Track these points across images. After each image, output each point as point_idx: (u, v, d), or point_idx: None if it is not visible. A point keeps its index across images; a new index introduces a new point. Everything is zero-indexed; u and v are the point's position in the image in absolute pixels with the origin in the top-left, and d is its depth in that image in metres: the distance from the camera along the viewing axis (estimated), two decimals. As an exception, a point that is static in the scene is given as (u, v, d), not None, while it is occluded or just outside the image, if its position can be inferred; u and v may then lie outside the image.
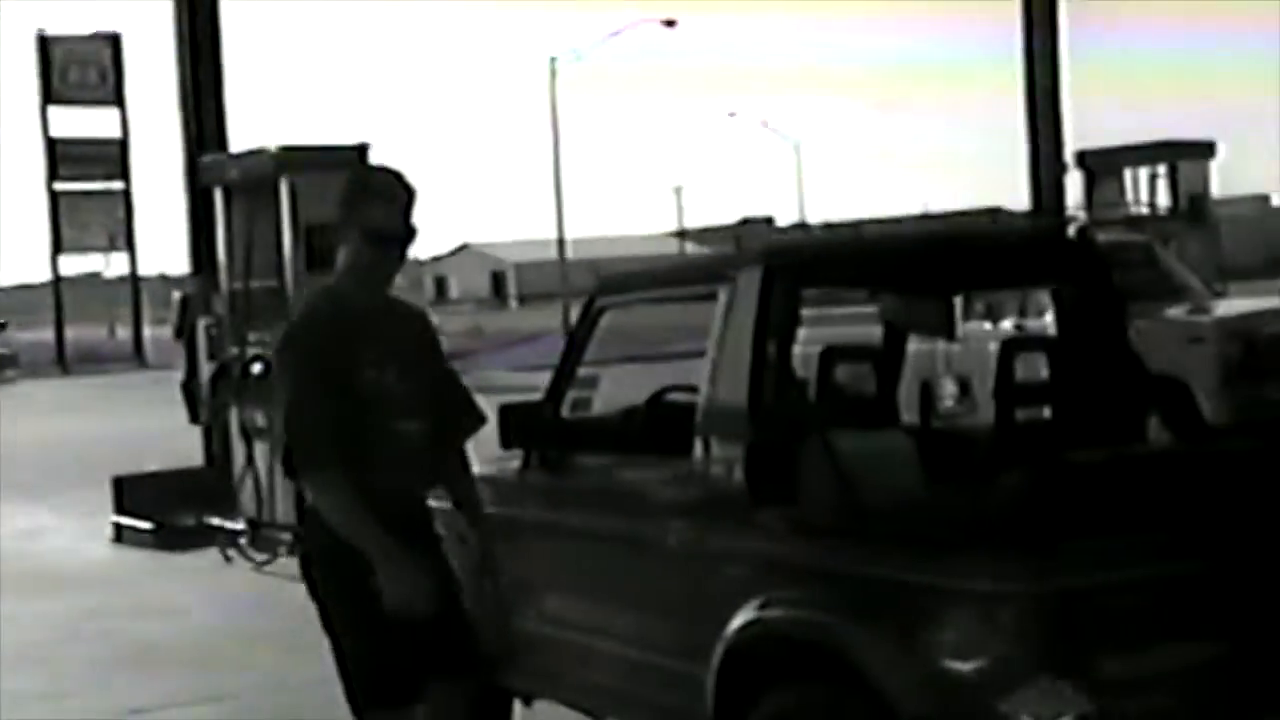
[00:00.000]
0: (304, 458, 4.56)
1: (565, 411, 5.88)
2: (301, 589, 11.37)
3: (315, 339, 4.62)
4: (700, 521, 5.06)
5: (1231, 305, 14.38)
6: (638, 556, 5.36)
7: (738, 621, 4.77)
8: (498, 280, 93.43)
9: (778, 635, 4.70)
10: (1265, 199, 76.13)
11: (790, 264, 5.05)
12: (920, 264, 5.31)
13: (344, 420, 4.53)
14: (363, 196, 4.66)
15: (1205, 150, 17.92)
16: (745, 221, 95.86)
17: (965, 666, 4.17)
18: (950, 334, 5.75)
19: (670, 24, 54.41)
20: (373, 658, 4.64)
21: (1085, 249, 5.62)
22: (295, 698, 7.99)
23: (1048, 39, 18.30)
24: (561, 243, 54.03)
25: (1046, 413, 5.55)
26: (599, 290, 5.79)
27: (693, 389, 5.92)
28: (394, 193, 4.65)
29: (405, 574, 4.48)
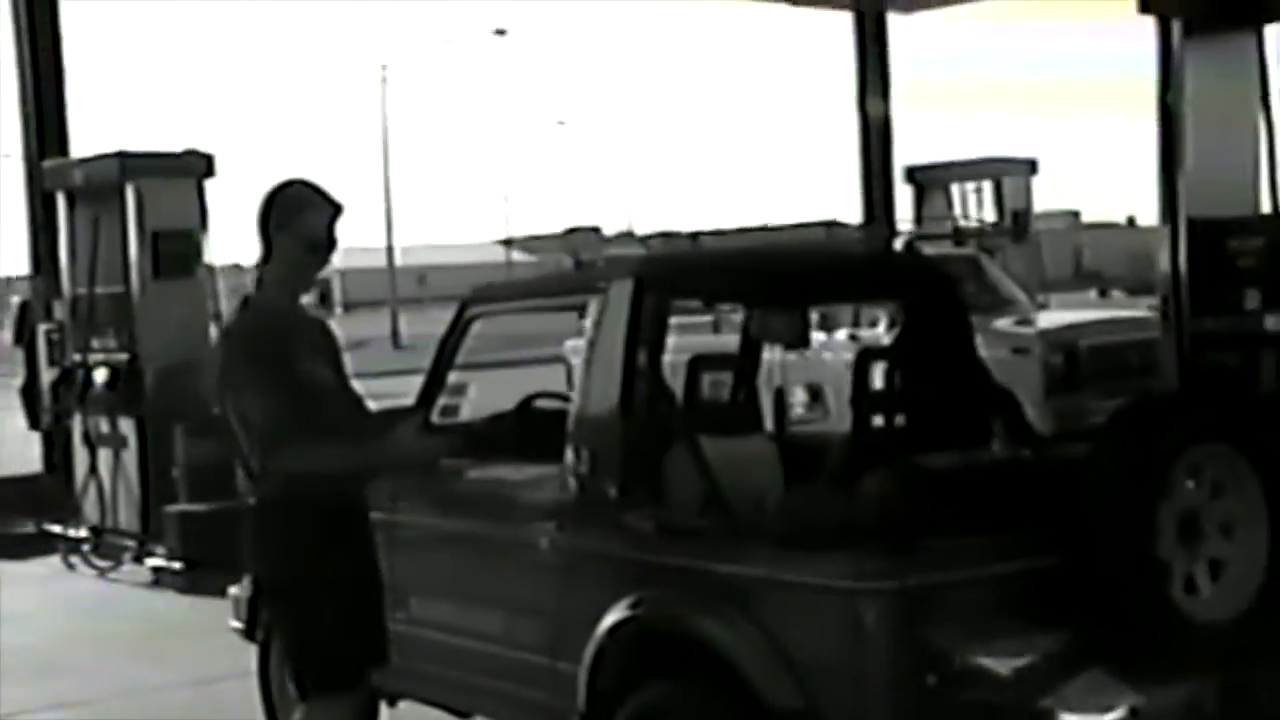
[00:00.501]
0: (273, 440, 4.72)
1: (435, 417, 6.04)
2: (149, 595, 11.41)
3: (258, 338, 4.82)
4: (572, 524, 5.26)
5: (1053, 317, 14.93)
6: (508, 558, 5.54)
7: (610, 619, 4.97)
8: (323, 287, 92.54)
9: (651, 632, 4.91)
10: (1076, 214, 78.37)
11: (660, 276, 5.28)
12: (783, 278, 5.57)
13: (289, 409, 4.72)
14: (299, 208, 4.86)
15: (1027, 167, 18.57)
16: (572, 230, 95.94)
17: (835, 659, 4.43)
18: (806, 344, 6.02)
19: (501, 33, 54.51)
20: (321, 648, 4.86)
21: (932, 265, 5.94)
22: (151, 700, 8.06)
23: (878, 56, 18.81)
24: (390, 250, 53.86)
25: (898, 419, 5.83)
26: (470, 299, 5.95)
27: (558, 395, 6.14)
28: (322, 203, 4.88)
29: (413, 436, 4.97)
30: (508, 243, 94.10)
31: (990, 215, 18.64)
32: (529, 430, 5.98)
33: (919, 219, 18.28)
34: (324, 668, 4.91)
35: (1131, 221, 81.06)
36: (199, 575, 10.89)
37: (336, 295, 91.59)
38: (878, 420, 5.82)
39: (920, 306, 5.84)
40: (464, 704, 5.99)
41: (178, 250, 11.66)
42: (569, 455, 5.32)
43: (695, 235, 10.40)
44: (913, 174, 18.35)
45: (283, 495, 4.87)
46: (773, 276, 5.55)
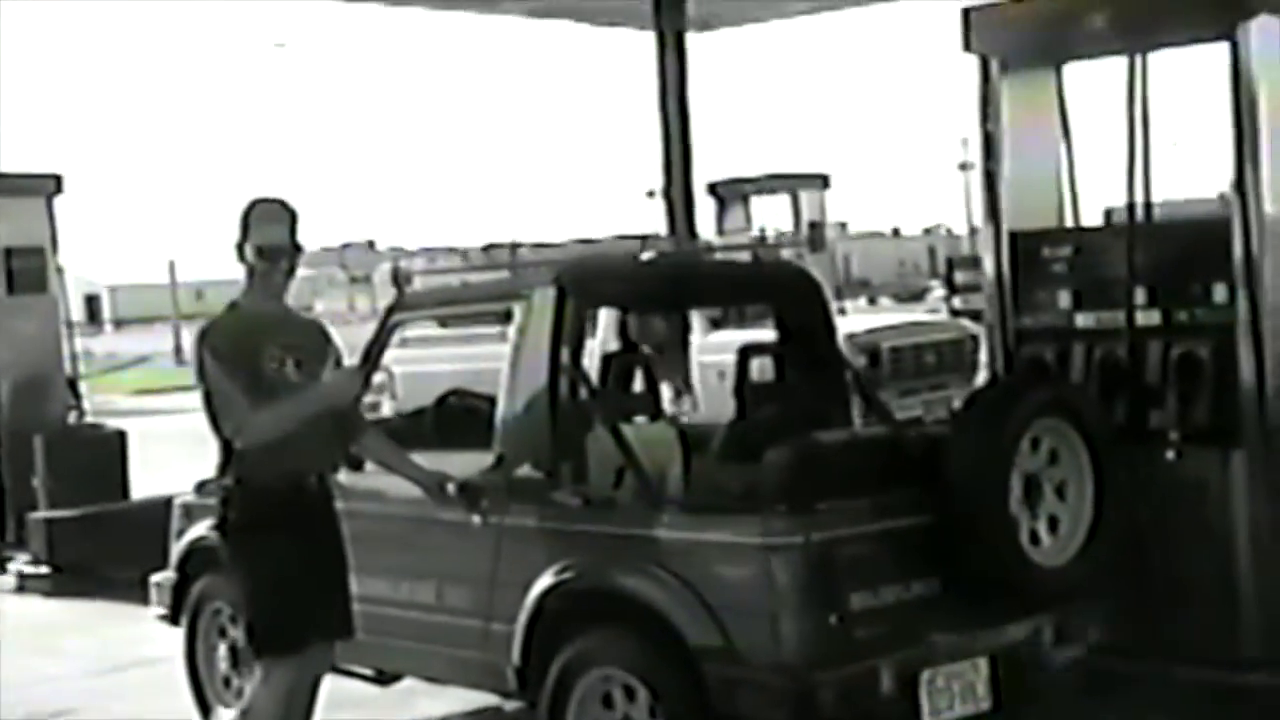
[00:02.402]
0: (232, 424, 5.42)
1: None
2: (17, 599, 11.74)
3: (221, 339, 5.48)
4: (502, 502, 5.97)
5: (856, 321, 16.02)
6: (441, 536, 6.22)
7: (544, 582, 5.71)
8: (92, 304, 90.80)
9: (582, 591, 5.66)
10: (844, 225, 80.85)
11: (578, 283, 6.05)
12: (685, 285, 6.38)
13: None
14: (252, 221, 5.54)
15: (821, 181, 19.73)
16: (347, 245, 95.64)
17: (749, 604, 5.22)
18: (685, 345, 6.85)
19: (280, 46, 54.47)
20: (272, 613, 5.52)
21: (802, 271, 6.85)
22: (59, 689, 8.47)
23: (678, 73, 19.59)
24: (172, 265, 53.72)
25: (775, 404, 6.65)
26: (396, 306, 6.64)
27: (472, 394, 6.85)
28: (279, 215, 5.56)
29: (340, 376, 5.59)
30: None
31: (787, 226, 19.69)
32: (446, 423, 6.69)
33: (720, 230, 19.23)
34: (267, 633, 5.59)
35: (896, 232, 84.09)
36: (61, 580, 11.30)
37: (106, 312, 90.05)
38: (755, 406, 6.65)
39: (793, 305, 6.73)
40: (398, 667, 6.67)
41: (31, 266, 12.06)
42: (498, 442, 6.05)
43: (514, 247, 11.23)
44: (714, 188, 19.29)
45: (247, 478, 5.54)
46: (677, 283, 6.36)
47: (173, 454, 15.87)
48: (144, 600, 8.23)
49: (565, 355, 5.90)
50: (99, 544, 11.03)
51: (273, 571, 5.49)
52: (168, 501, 7.59)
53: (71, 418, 12.20)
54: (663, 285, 6.42)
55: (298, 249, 5.58)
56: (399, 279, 9.36)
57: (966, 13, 7.35)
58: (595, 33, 20.71)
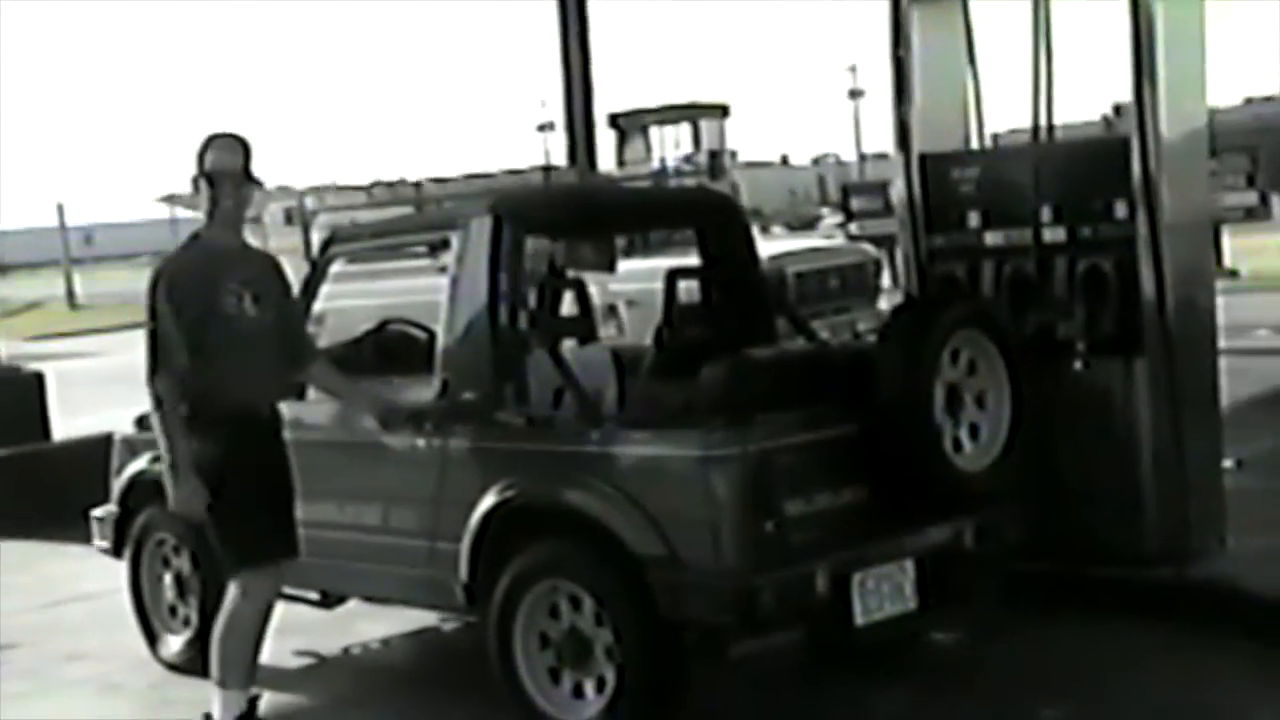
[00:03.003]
0: (170, 365, 5.61)
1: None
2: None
3: (181, 274, 5.63)
4: (446, 425, 6.17)
5: (762, 247, 16.29)
6: (386, 459, 6.42)
7: (489, 500, 5.92)
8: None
9: (528, 507, 5.87)
10: (734, 154, 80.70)
11: (514, 211, 6.24)
12: (616, 211, 6.57)
13: (210, 335, 5.60)
14: (204, 151, 5.73)
15: (721, 111, 19.99)
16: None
17: (691, 514, 5.48)
18: (613, 269, 7.07)
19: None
20: (246, 528, 5.78)
21: (724, 197, 7.09)
22: (6, 624, 8.55)
23: (577, 6, 19.66)
24: (61, 209, 53.26)
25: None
26: (331, 240, 6.80)
27: (408, 322, 7.04)
28: (230, 145, 5.75)
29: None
30: (170, 199, 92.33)
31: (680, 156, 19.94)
32: (384, 351, 6.88)
33: (621, 161, 19.45)
34: (243, 547, 5.80)
35: (785, 161, 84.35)
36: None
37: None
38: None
39: (716, 230, 6.98)
40: (346, 589, 6.87)
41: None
42: (440, 367, 6.24)
43: (418, 184, 11.35)
44: (615, 119, 19.48)
45: (200, 411, 5.70)
46: (607, 210, 6.56)
47: (85, 395, 15.93)
48: (76, 539, 8.36)
49: (504, 281, 6.09)
50: (25, 485, 11.08)
51: (238, 492, 5.68)
52: (107, 438, 7.70)
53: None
54: (595, 212, 6.63)
55: (249, 177, 5.73)
56: (303, 219, 9.45)
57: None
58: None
